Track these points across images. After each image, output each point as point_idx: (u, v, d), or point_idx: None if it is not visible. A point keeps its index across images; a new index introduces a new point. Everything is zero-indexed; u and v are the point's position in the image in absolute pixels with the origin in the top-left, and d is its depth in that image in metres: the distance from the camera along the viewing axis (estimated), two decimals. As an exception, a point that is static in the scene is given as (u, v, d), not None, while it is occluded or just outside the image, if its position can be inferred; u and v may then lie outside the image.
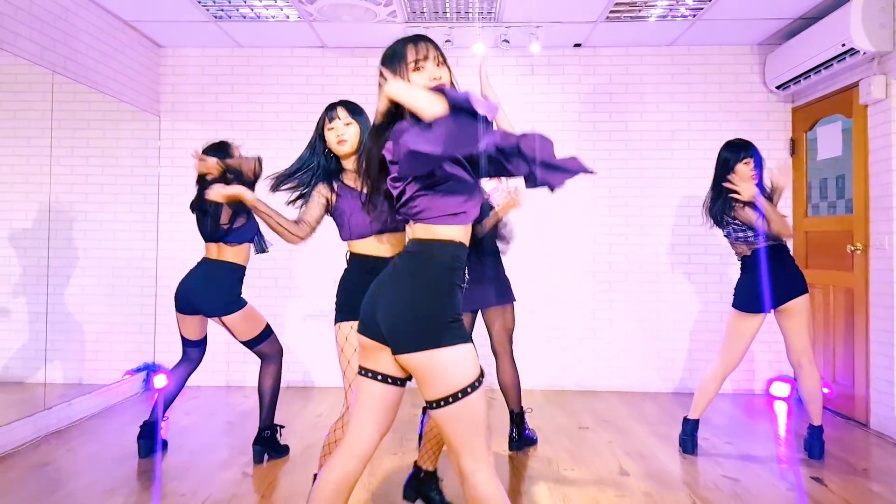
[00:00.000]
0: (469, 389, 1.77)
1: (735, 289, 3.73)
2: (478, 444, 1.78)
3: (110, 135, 5.41)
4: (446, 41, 4.95)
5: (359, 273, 2.48)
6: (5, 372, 4.61)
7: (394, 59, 1.94)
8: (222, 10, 4.73)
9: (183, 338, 3.67)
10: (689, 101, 5.40)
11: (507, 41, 4.96)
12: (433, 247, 1.85)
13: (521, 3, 4.55)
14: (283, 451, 3.64)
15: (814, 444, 3.70)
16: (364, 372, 1.92)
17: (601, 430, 4.26)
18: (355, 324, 2.32)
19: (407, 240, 1.96)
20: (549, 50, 5.41)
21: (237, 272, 3.54)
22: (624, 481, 3.33)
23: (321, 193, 2.55)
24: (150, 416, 3.59)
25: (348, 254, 2.58)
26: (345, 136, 2.54)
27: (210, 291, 3.47)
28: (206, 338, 3.72)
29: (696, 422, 3.84)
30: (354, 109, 2.59)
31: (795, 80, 4.97)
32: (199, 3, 4.58)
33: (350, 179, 2.58)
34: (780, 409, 4.91)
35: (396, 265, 1.90)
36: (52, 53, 4.21)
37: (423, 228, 1.87)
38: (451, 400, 1.76)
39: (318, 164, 2.60)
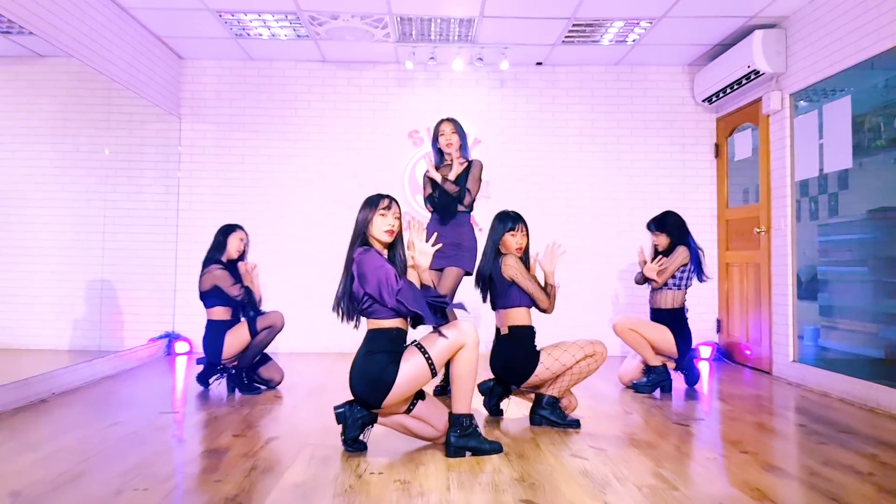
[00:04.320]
0: None
1: None
2: None
3: (137, 133, 6.27)
4: (430, 58, 5.93)
5: None
6: (61, 341, 5.47)
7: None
8: (243, 29, 5.64)
9: None
10: (631, 111, 6.46)
11: (481, 59, 5.96)
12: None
13: (493, 28, 5.56)
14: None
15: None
16: None
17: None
18: None
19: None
20: (516, 67, 6.43)
21: None
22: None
23: None
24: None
25: None
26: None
27: None
28: None
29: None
30: None
31: (717, 94, 6.04)
32: (226, 22, 5.48)
33: None
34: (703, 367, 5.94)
35: None
36: (109, 64, 5.10)
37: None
38: None
39: None
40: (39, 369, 4.35)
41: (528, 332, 3.67)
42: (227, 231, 4.59)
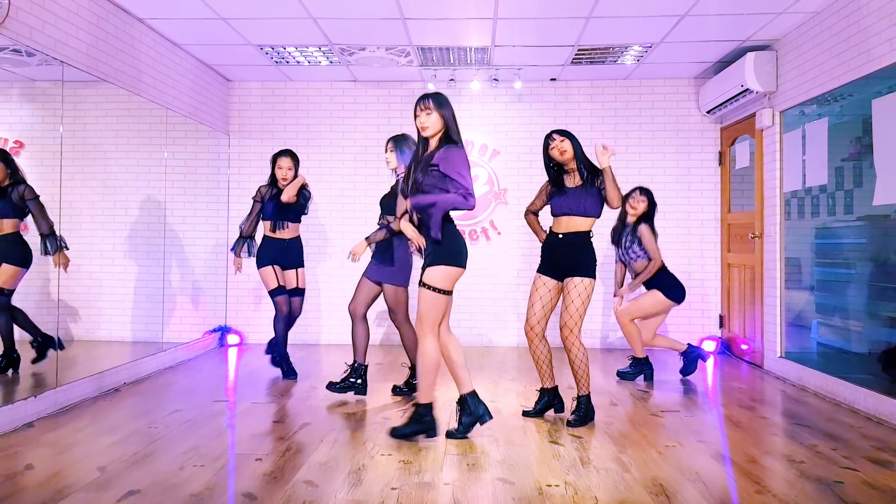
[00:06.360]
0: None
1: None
2: None
3: (191, 150, 7.01)
4: (450, 80, 6.51)
5: None
6: (127, 333, 6.27)
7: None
8: (282, 58, 6.31)
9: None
10: (639, 122, 6.93)
11: (497, 79, 6.51)
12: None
13: (506, 53, 6.10)
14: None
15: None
16: None
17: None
18: None
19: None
20: (531, 83, 6.96)
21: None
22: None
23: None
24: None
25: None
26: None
27: None
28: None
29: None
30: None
31: (718, 107, 6.46)
32: (266, 53, 6.16)
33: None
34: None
35: None
36: (164, 95, 5.83)
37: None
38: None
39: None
40: (112, 362, 5.14)
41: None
42: (272, 160, 5.29)
